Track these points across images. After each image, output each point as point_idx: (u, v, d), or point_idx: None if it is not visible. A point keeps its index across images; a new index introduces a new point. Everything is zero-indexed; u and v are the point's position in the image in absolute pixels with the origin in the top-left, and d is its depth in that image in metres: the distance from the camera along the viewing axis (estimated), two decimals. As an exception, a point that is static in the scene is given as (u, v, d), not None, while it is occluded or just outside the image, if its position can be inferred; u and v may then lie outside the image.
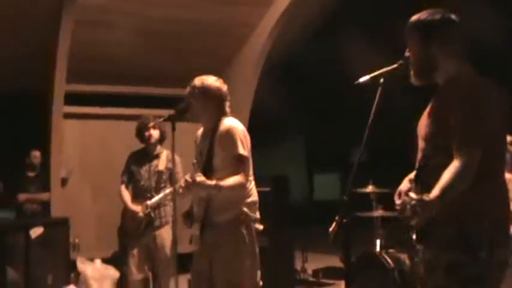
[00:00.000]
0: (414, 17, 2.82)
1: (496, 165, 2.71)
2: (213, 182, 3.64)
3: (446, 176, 2.49)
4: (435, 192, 2.43)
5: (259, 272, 3.83)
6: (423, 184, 2.51)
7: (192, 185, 3.62)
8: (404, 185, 2.89)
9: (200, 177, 3.59)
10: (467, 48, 2.83)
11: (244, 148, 3.75)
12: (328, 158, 20.21)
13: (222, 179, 3.69)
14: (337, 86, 8.46)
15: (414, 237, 2.69)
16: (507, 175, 5.05)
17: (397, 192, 2.88)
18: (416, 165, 2.77)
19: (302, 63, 11.52)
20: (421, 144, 2.80)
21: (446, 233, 2.58)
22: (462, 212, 2.57)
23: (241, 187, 3.74)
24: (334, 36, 11.32)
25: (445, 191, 2.45)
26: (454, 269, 2.56)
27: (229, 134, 3.77)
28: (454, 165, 2.51)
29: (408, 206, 2.37)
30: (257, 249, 3.83)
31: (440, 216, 2.46)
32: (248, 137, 3.86)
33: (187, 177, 3.63)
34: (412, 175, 2.86)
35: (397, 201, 2.77)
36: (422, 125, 2.81)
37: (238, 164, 3.73)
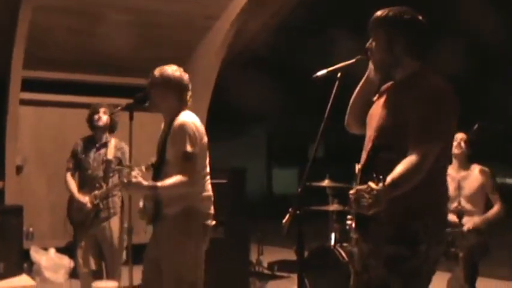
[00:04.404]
0: (381, 12, 2.80)
1: (445, 166, 2.79)
2: (149, 183, 3.63)
3: (401, 167, 2.51)
4: (387, 181, 2.42)
5: (201, 269, 3.78)
6: (370, 175, 2.44)
7: (127, 185, 3.62)
8: None
9: (136, 178, 3.58)
10: (429, 50, 2.86)
11: (192, 145, 3.68)
12: (288, 152, 20.30)
13: (172, 172, 3.67)
14: (300, 80, 8.49)
15: (353, 226, 2.73)
16: (454, 173, 5.19)
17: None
18: (364, 154, 2.77)
19: (265, 56, 11.52)
20: (370, 133, 2.81)
21: (389, 227, 2.62)
22: (409, 208, 2.60)
23: (184, 185, 3.65)
24: (300, 28, 11.33)
25: (397, 182, 2.47)
26: (394, 261, 2.61)
27: (179, 131, 3.72)
28: (410, 158, 2.52)
29: (367, 195, 2.33)
30: (204, 245, 3.80)
31: (385, 210, 2.49)
32: (201, 132, 3.80)
33: (124, 178, 3.62)
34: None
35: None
36: (375, 115, 2.81)
37: (183, 161, 3.68)
